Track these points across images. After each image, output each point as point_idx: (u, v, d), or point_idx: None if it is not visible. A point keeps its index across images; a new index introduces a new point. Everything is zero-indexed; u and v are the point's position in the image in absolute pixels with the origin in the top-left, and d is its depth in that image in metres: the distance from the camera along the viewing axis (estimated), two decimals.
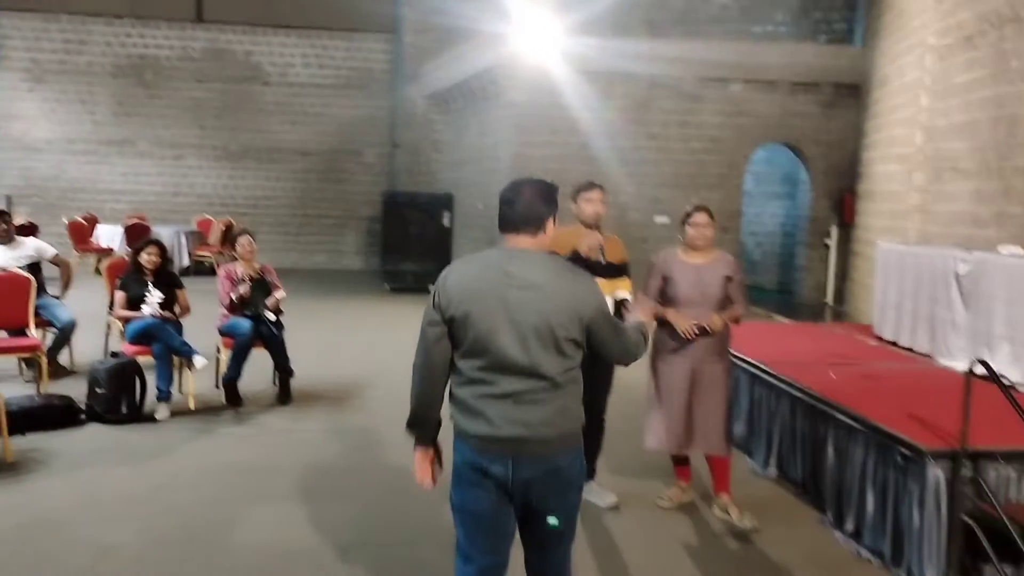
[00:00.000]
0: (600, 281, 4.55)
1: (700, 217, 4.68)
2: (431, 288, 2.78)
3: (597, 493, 4.89)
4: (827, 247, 14.83)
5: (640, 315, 3.06)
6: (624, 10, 16.13)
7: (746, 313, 4.84)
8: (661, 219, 14.09)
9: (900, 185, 11.36)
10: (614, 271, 4.73)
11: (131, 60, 18.47)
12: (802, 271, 15.38)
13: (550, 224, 2.78)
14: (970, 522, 3.89)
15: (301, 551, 4.17)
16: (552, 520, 2.70)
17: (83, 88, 18.41)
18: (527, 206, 2.75)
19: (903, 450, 4.16)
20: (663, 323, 4.72)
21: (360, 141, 19.07)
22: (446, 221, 14.57)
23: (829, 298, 14.63)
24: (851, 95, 14.40)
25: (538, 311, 2.63)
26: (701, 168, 14.41)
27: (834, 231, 14.65)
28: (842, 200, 14.40)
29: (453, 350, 2.71)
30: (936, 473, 3.98)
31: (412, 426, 2.84)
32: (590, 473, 4.92)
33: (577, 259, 4.52)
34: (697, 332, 4.56)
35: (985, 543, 3.81)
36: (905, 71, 11.42)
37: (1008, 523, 3.66)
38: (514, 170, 13.97)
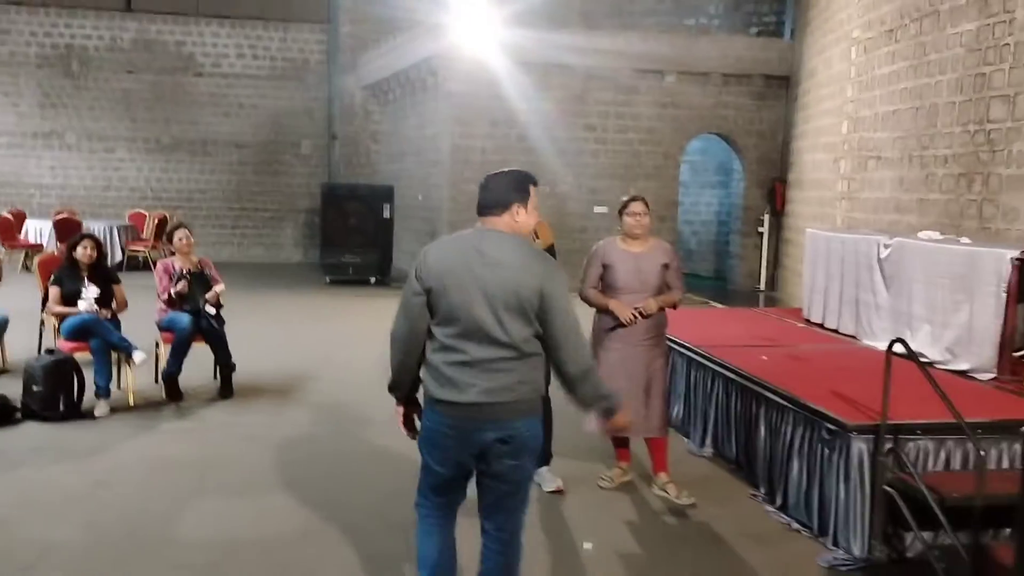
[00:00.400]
0: None
1: (636, 206, 4.83)
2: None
3: (545, 477, 4.99)
4: (760, 235, 15.23)
5: None
6: (560, 2, 16.29)
7: (683, 298, 5.02)
8: (600, 209, 14.30)
9: (828, 174, 11.75)
10: None
11: (57, 50, 17.95)
12: (736, 259, 15.77)
13: (520, 209, 3.04)
14: (892, 492, 4.11)
15: (248, 542, 4.20)
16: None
17: (6, 79, 17.83)
18: (498, 192, 3.06)
19: (829, 426, 4.37)
20: (602, 310, 4.87)
21: (297, 133, 18.87)
22: (386, 213, 14.54)
23: (762, 284, 15.03)
24: (781, 87, 14.81)
25: (506, 285, 2.91)
26: (637, 159, 14.66)
27: (766, 219, 15.05)
28: (773, 189, 14.81)
29: (431, 320, 2.99)
30: (859, 447, 4.20)
31: (393, 389, 3.18)
32: (545, 459, 5.00)
33: None
34: (637, 319, 4.71)
35: (905, 512, 4.04)
36: (832, 63, 11.80)
37: (926, 492, 3.88)
38: (453, 161, 14.04)
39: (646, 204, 4.87)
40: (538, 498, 4.83)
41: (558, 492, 4.91)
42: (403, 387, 3.14)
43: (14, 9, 17.68)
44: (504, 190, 3.04)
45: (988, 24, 7.98)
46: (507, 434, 2.93)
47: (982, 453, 3.67)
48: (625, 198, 4.96)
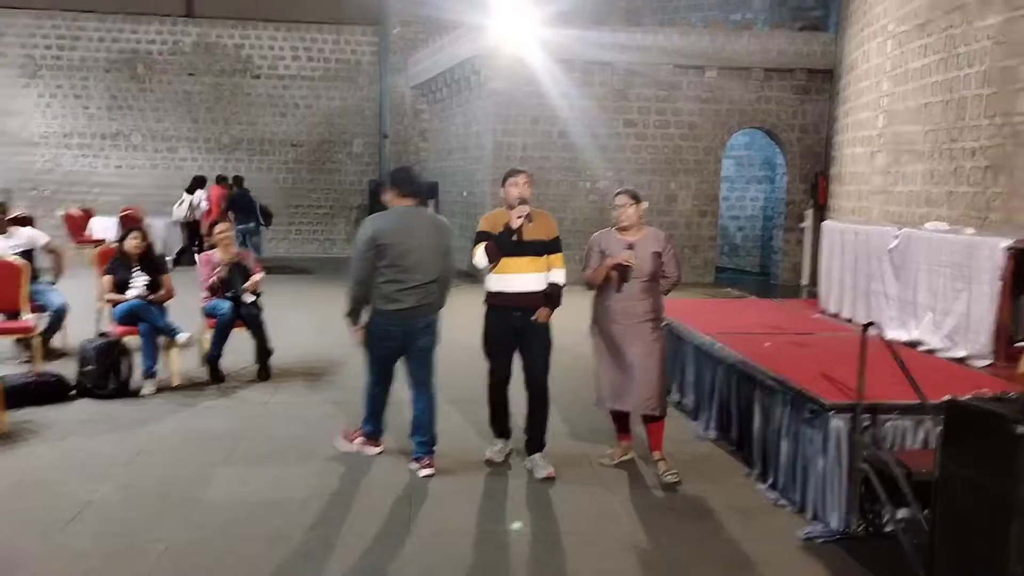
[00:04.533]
0: (530, 260, 5.02)
1: (619, 199, 5.15)
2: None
3: (538, 464, 5.12)
4: (803, 229, 15.21)
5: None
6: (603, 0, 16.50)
7: (679, 282, 5.24)
8: (642, 205, 14.45)
9: (865, 167, 11.74)
10: (545, 247, 5.11)
11: (123, 55, 18.87)
12: (780, 253, 15.77)
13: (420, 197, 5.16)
14: (867, 469, 4.29)
15: (265, 502, 4.60)
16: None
17: (77, 83, 18.82)
18: (417, 185, 5.17)
19: (811, 406, 4.57)
20: (600, 291, 5.13)
21: (349, 132, 19.47)
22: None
23: (805, 279, 15.01)
24: (824, 80, 14.77)
25: (431, 238, 4.98)
26: (678, 154, 14.80)
27: (809, 213, 15.02)
28: (816, 183, 14.78)
29: (377, 263, 4.85)
30: (837, 425, 4.39)
31: (351, 314, 5.04)
32: (539, 446, 5.17)
33: (511, 231, 4.96)
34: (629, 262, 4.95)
35: (878, 486, 4.22)
36: (869, 56, 11.78)
37: (894, 467, 4.05)
38: (495, 158, 14.38)
39: (631, 196, 5.15)
40: (528, 481, 5.05)
41: (549, 478, 5.02)
42: (358, 312, 5.01)
43: (84, 16, 18.65)
44: (416, 181, 5.15)
45: (1013, 17, 7.97)
46: (428, 321, 5.05)
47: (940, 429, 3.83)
48: (616, 191, 5.27)
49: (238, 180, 15.99)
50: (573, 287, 5.27)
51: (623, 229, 5.14)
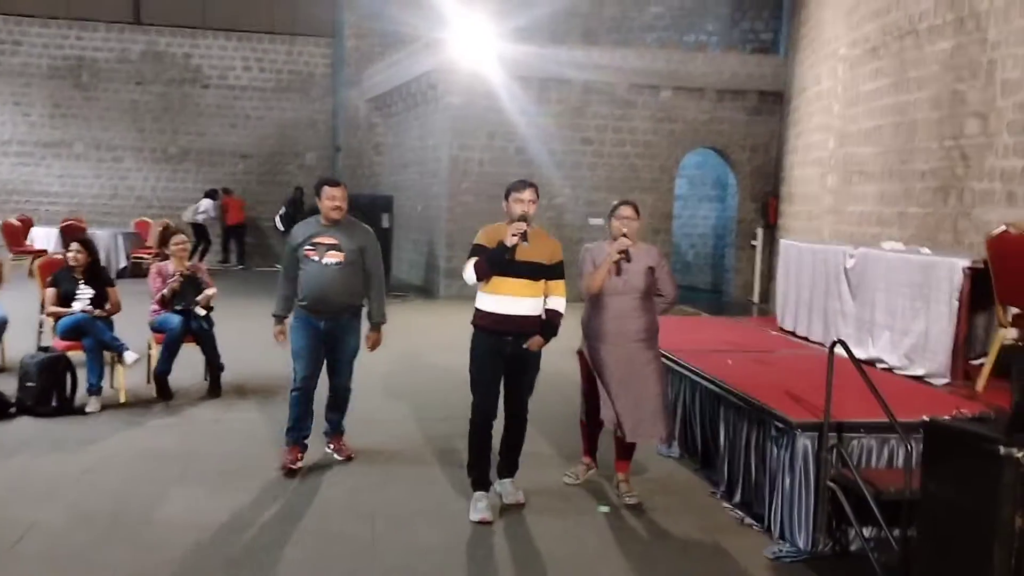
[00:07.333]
0: (527, 283, 4.64)
1: (625, 211, 4.85)
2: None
3: (508, 491, 4.90)
4: (754, 248, 15.42)
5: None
6: (561, 18, 16.61)
7: (675, 300, 5.08)
8: (595, 221, 14.50)
9: (816, 188, 11.95)
10: (543, 272, 4.73)
11: (67, 62, 18.38)
12: (731, 271, 15.95)
13: None
14: (834, 487, 4.29)
15: (220, 524, 4.42)
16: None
17: (18, 89, 18.28)
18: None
19: (777, 423, 4.57)
20: (591, 309, 4.92)
21: (301, 144, 19.23)
22: (385, 223, 14.78)
23: (756, 297, 15.20)
24: (775, 102, 15.03)
25: None
26: (633, 172, 14.90)
27: (760, 232, 15.23)
28: (767, 203, 15.00)
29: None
30: (804, 443, 4.39)
31: (280, 312, 5.56)
32: (511, 470, 4.93)
33: (504, 249, 4.55)
34: (625, 250, 4.71)
35: (846, 505, 4.22)
36: (821, 79, 12.03)
37: (863, 486, 4.06)
38: (452, 172, 14.31)
39: (636, 209, 4.88)
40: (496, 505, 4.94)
41: (518, 505, 4.85)
42: (286, 312, 5.49)
43: (26, 21, 18.15)
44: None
45: (962, 43, 8.19)
46: (341, 321, 5.43)
47: (909, 448, 3.85)
48: (615, 202, 4.97)
49: (299, 190, 17.51)
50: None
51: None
